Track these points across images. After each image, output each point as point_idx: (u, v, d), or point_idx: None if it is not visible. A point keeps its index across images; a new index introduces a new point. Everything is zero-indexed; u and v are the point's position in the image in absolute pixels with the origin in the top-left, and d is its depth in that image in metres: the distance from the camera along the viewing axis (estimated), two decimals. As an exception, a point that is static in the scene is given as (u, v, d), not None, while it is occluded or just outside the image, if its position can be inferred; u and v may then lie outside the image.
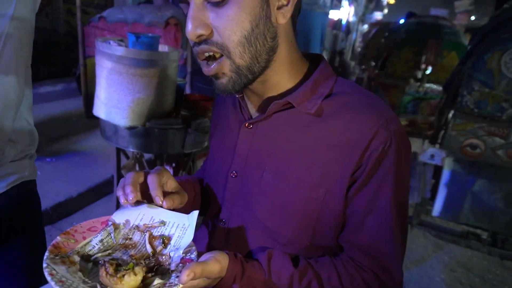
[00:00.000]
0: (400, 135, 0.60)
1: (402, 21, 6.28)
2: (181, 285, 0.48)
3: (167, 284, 0.49)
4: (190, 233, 0.58)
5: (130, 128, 1.98)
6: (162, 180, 0.63)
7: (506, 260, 2.63)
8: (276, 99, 0.63)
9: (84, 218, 2.55)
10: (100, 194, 2.87)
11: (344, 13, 12.37)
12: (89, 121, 3.75)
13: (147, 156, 2.75)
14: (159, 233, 0.60)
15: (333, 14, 10.35)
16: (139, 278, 0.49)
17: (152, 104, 1.95)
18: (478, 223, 2.55)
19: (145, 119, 1.96)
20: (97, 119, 2.12)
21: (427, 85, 4.69)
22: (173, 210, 0.66)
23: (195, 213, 0.61)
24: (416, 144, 4.17)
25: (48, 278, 0.47)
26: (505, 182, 2.37)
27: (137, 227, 0.61)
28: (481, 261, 2.66)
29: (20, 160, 1.00)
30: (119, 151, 2.33)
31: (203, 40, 0.56)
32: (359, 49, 12.35)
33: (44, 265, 0.49)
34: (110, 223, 0.61)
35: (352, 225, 0.62)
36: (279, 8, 0.57)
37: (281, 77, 0.63)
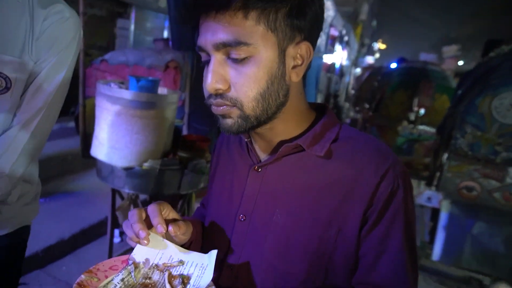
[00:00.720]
0: (405, 176, 0.63)
1: (393, 65, 6.51)
2: None
3: None
4: (209, 272, 0.59)
5: (127, 169, 1.97)
6: (162, 210, 0.64)
7: (510, 307, 2.54)
8: (285, 143, 0.65)
9: (76, 261, 2.46)
10: (94, 236, 2.80)
11: (338, 57, 12.82)
12: (85, 160, 3.73)
13: (142, 197, 2.72)
14: (178, 273, 0.61)
15: (327, 58, 10.72)
16: None
17: (150, 144, 1.96)
18: (480, 268, 2.49)
19: (142, 159, 1.97)
20: (93, 158, 2.12)
21: (421, 127, 4.77)
22: (189, 247, 0.67)
23: (214, 252, 0.62)
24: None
25: None
26: (505, 225, 2.35)
27: (157, 266, 0.62)
28: (484, 307, 2.57)
29: (32, 203, 1.06)
30: (114, 191, 2.31)
31: (219, 94, 0.59)
32: (352, 91, 12.66)
33: None
34: (130, 262, 0.62)
35: (365, 265, 0.63)
36: (293, 67, 0.61)
37: (289, 125, 0.66)
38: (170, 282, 0.59)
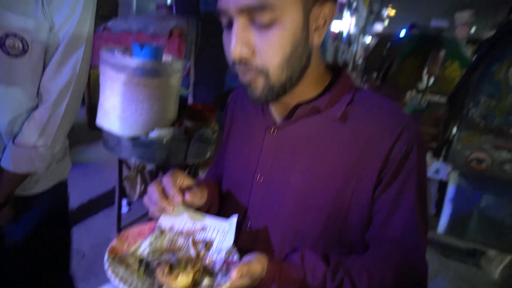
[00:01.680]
0: (419, 136, 0.64)
1: (403, 32, 6.30)
2: (228, 284, 0.52)
3: (215, 284, 0.54)
4: (231, 237, 0.62)
5: (133, 139, 1.95)
6: (176, 180, 0.65)
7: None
8: (302, 105, 0.66)
9: (85, 231, 2.49)
10: (102, 206, 2.83)
11: (345, 25, 12.44)
12: (91, 131, 3.74)
13: (149, 167, 2.72)
14: (201, 238, 0.65)
15: (334, 26, 10.41)
16: (190, 277, 0.54)
17: (155, 114, 1.93)
18: (486, 241, 2.49)
19: (148, 129, 1.94)
20: (100, 129, 2.10)
21: (429, 96, 4.67)
22: (207, 211, 0.71)
23: (235, 218, 0.65)
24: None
25: (112, 277, 0.53)
26: (514, 197, 2.32)
27: (181, 232, 0.66)
28: (488, 278, 2.60)
29: (64, 159, 1.15)
30: (121, 162, 2.31)
31: (243, 61, 0.57)
32: (360, 61, 12.38)
33: (106, 265, 0.55)
34: (157, 228, 0.66)
35: (378, 222, 0.65)
36: (316, 29, 0.60)
37: (308, 87, 0.66)
38: (194, 247, 0.63)
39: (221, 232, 0.65)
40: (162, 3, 6.85)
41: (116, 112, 1.91)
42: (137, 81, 1.83)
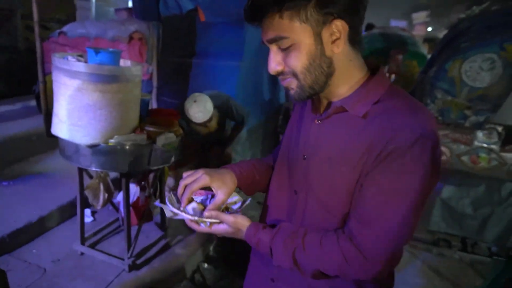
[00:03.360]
0: (423, 140, 0.69)
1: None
2: (212, 218, 0.84)
3: (206, 214, 0.85)
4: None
5: (92, 146, 1.88)
6: (192, 187, 0.87)
7: (476, 265, 2.69)
8: (336, 103, 0.82)
9: (46, 243, 2.37)
10: (63, 217, 2.71)
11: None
12: (50, 140, 3.56)
13: (112, 174, 2.62)
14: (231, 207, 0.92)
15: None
16: (201, 206, 0.89)
17: (115, 120, 1.86)
18: (449, 230, 2.58)
19: (108, 136, 1.87)
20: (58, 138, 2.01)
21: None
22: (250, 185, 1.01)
23: (249, 201, 0.92)
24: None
25: (167, 195, 0.85)
26: (472, 187, 2.42)
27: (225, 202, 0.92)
28: (453, 265, 2.70)
29: None
30: (81, 171, 2.21)
31: (280, 72, 0.80)
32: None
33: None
34: (210, 194, 0.93)
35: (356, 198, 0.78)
36: (333, 42, 0.74)
37: (341, 87, 0.81)
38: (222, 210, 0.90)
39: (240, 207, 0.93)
40: (122, 6, 6.67)
41: (72, 120, 1.83)
42: (93, 87, 1.76)
